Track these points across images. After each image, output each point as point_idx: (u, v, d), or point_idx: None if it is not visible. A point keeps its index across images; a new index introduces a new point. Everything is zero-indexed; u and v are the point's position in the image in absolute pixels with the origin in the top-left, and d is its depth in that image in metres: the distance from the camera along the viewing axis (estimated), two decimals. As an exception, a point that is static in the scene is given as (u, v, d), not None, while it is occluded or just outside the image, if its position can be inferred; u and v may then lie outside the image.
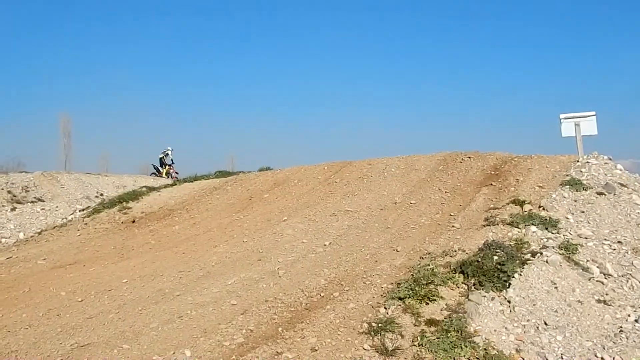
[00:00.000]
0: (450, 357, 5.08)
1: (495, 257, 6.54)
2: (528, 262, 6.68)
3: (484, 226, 8.00)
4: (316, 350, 5.28)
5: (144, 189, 15.47)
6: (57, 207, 16.41)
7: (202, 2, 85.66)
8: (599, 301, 6.18)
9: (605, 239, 7.56)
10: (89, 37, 77.75)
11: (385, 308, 5.88)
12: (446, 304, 5.93)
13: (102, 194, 23.24)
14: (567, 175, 9.78)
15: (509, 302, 6.02)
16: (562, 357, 5.30)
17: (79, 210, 15.10)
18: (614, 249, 7.30)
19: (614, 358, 5.27)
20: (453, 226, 8.48)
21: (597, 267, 6.82)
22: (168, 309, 6.58)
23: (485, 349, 5.21)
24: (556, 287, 6.31)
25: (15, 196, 20.68)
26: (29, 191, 21.78)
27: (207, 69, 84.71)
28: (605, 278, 6.64)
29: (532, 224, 7.82)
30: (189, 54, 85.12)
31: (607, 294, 6.33)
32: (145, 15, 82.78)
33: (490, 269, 6.33)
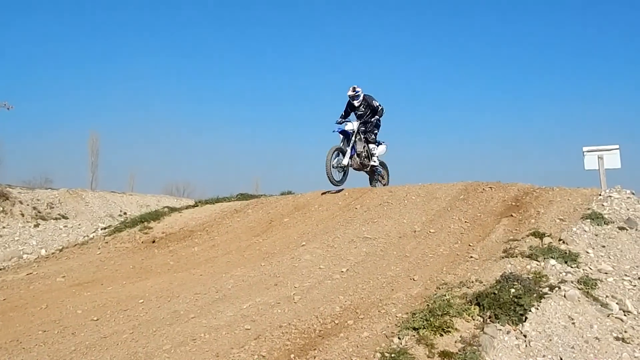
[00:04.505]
0: (462, 390, 5.03)
1: (513, 290, 6.46)
2: (545, 296, 6.58)
3: (503, 258, 7.91)
4: (327, 378, 5.27)
5: (165, 209, 15.63)
6: (79, 224, 16.63)
7: (237, 17, 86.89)
8: (617, 338, 6.05)
9: (625, 275, 7.43)
10: (117, 51, 79.43)
11: (399, 338, 5.83)
12: (461, 336, 5.86)
13: (125, 213, 23.57)
14: (589, 208, 9.65)
15: (524, 336, 5.93)
16: (577, 395, 5.21)
17: (101, 229, 15.30)
18: (635, 285, 7.16)
19: (631, 398, 5.17)
20: (471, 257, 8.40)
21: (617, 303, 6.68)
22: (182, 331, 6.61)
23: (498, 384, 5.15)
24: (573, 323, 6.20)
25: (39, 212, 21.06)
26: (53, 208, 22.17)
27: (238, 88, 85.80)
28: (625, 315, 6.51)
29: (552, 257, 7.71)
30: (220, 72, 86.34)
31: (625, 332, 6.20)
32: (175, 30, 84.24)
33: (507, 302, 6.25)
